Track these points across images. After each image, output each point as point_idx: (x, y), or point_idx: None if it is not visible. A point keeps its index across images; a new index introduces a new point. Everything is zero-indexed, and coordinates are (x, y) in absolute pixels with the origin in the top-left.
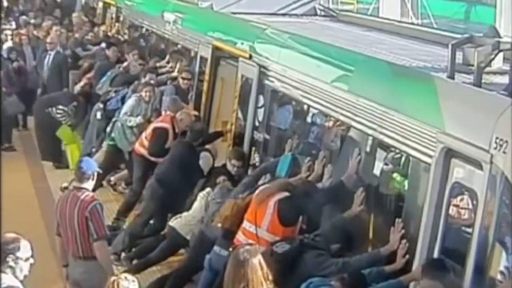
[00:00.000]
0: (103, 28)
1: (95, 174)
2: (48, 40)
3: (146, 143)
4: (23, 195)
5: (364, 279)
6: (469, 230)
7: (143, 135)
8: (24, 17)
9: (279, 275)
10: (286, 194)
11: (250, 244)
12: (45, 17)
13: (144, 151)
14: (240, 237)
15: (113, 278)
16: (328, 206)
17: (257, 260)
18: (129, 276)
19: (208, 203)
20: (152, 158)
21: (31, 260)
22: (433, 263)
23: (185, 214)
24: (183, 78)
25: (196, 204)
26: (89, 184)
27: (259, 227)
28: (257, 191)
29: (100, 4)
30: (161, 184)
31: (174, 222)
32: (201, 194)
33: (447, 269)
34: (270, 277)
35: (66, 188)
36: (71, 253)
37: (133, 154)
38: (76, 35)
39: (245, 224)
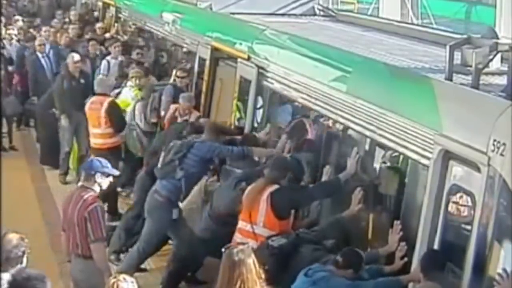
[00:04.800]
0: (99, 25)
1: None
2: (37, 42)
3: None
4: (23, 195)
5: (359, 257)
6: (467, 232)
7: None
8: (17, 17)
9: (275, 268)
10: (276, 186)
11: (243, 244)
12: (36, 19)
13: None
14: (237, 237)
15: (112, 280)
16: (323, 200)
17: (251, 260)
18: (128, 277)
19: (207, 187)
20: None
21: None
22: (433, 264)
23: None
24: (178, 77)
25: (194, 189)
26: (95, 184)
27: (255, 224)
28: (246, 191)
29: (100, 4)
30: (151, 176)
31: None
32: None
33: (446, 271)
34: (263, 276)
35: None
36: (72, 250)
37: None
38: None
39: (241, 224)
